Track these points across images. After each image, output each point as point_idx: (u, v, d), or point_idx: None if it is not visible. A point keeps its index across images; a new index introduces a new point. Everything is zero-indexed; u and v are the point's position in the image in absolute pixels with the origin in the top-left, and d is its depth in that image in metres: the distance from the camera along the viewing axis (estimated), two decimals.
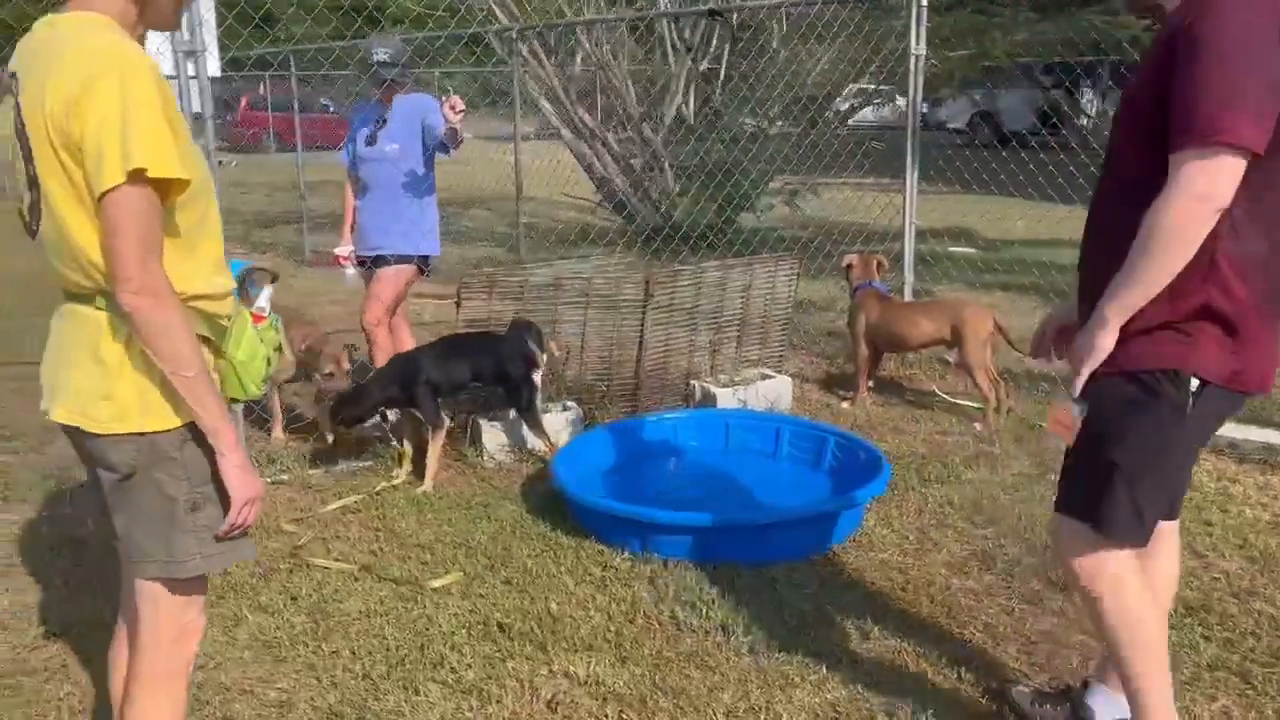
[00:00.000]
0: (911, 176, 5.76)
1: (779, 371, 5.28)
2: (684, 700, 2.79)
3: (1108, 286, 2.04)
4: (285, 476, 4.43)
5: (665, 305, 4.85)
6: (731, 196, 9.34)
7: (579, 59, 9.98)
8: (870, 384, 5.31)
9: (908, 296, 6.04)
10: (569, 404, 4.70)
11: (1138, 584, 2.21)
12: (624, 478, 4.17)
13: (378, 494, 4.23)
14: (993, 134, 21.38)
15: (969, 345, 4.82)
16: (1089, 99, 21.98)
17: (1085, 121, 22.13)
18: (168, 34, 3.98)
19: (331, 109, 30.20)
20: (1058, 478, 2.33)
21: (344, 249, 5.14)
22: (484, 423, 4.52)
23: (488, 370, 4.39)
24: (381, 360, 4.85)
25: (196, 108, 4.06)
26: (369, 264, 5.02)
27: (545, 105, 10.17)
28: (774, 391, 5.05)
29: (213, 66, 4.08)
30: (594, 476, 4.03)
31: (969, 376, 4.91)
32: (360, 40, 6.94)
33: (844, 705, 2.76)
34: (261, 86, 28.79)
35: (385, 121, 4.96)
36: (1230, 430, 4.51)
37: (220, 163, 20.38)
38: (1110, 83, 21.88)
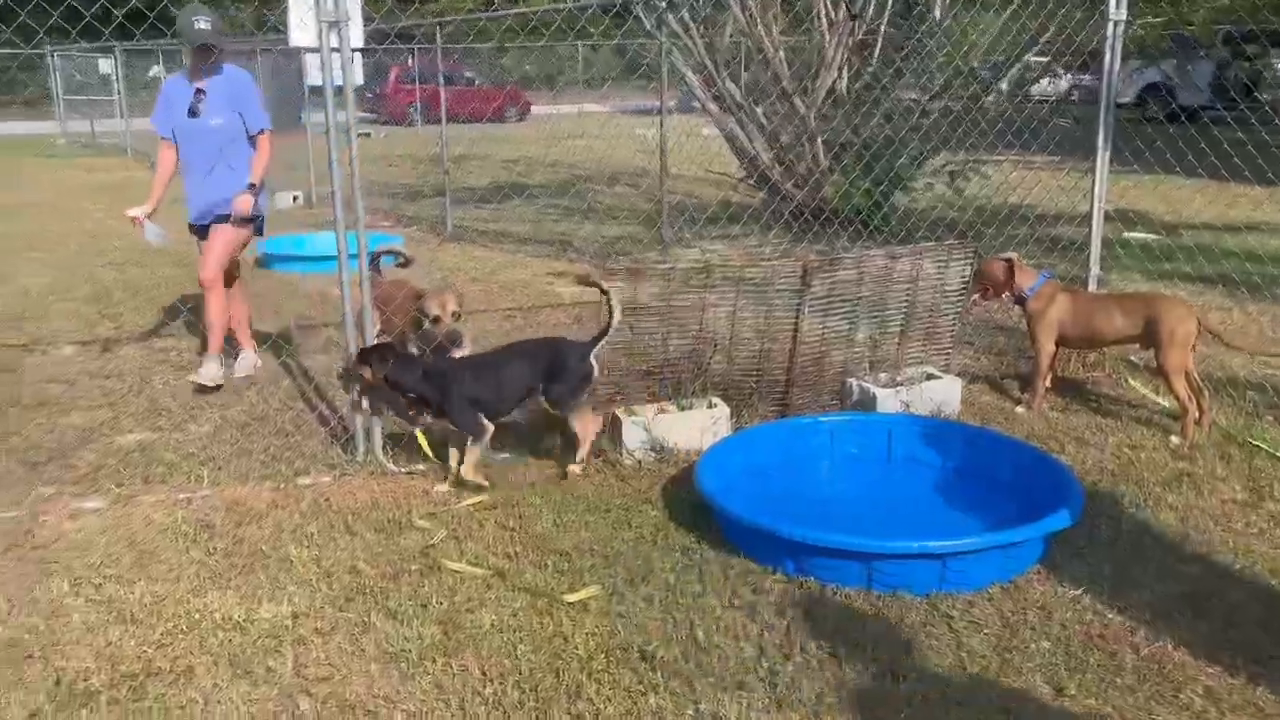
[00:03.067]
0: (1103, 156, 5.18)
1: (946, 371, 4.81)
2: None
3: None
4: (421, 466, 4.25)
5: (823, 295, 4.46)
6: (885, 175, 8.80)
7: (728, 30, 9.55)
8: (1047, 386, 4.80)
9: (1091, 289, 5.47)
10: (714, 401, 4.37)
11: None
12: (774, 488, 3.83)
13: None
14: (1163, 108, 19.94)
15: (1167, 346, 4.27)
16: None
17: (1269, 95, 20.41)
18: (312, 4, 3.82)
19: (476, 81, 30.66)
20: None
21: (136, 210, 5.20)
22: (625, 418, 4.23)
23: (541, 381, 4.11)
24: (216, 320, 5.27)
25: (339, 79, 3.89)
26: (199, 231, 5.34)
27: (691, 78, 9.80)
28: (941, 393, 4.60)
29: (356, 37, 3.89)
30: (741, 484, 3.69)
31: (1164, 382, 4.36)
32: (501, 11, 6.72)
33: None
34: (410, 59, 29.48)
35: (203, 94, 5.12)
36: None
37: (366, 134, 20.87)
38: None
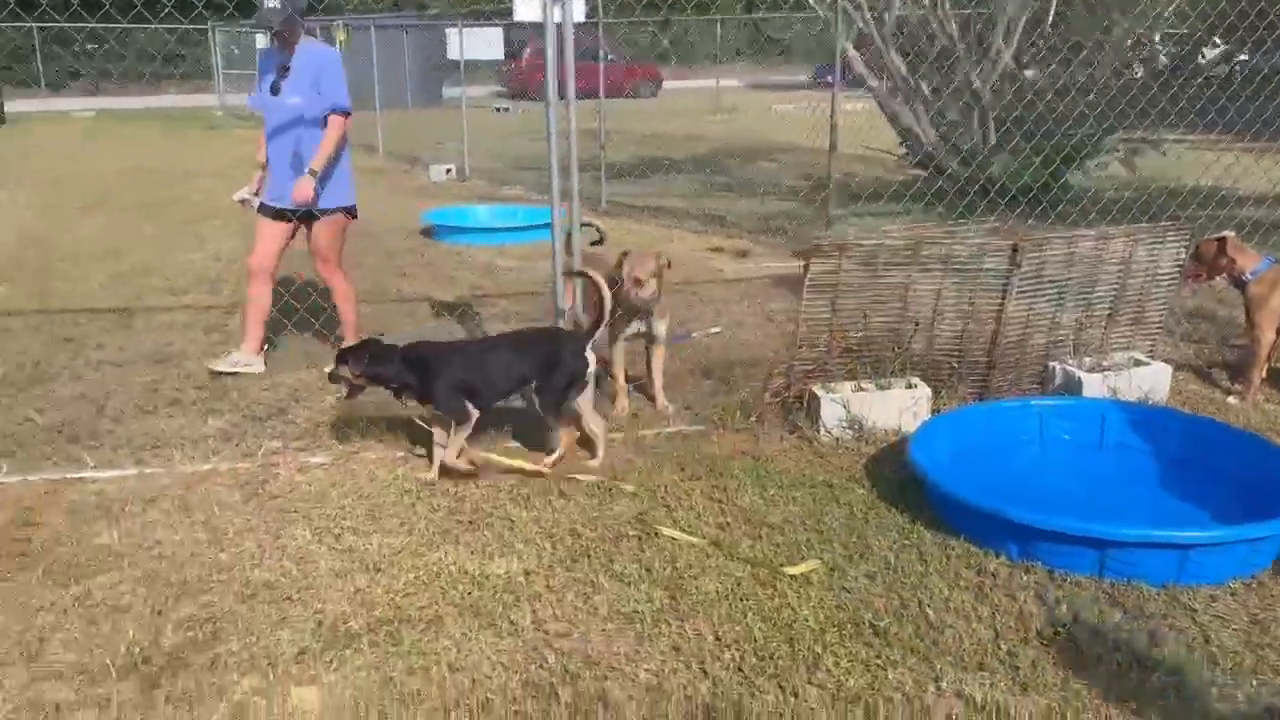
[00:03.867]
0: None
1: (1153, 358, 4.64)
2: None
3: None
4: (617, 435, 4.33)
5: (1031, 275, 4.35)
6: (1058, 153, 8.51)
7: (896, 2, 9.34)
8: (1262, 377, 4.58)
9: None
10: (914, 381, 4.32)
11: None
12: (987, 470, 3.76)
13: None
14: None
15: None
16: None
17: None
18: None
19: (610, 57, 30.81)
20: None
21: (241, 193, 5.16)
22: (823, 395, 4.22)
23: (534, 375, 3.99)
24: (255, 314, 5.08)
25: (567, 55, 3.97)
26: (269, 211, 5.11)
27: (853, 53, 9.64)
28: (1149, 380, 4.44)
29: (579, 11, 3.95)
30: (954, 466, 3.64)
31: None
32: None
33: None
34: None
35: (288, 70, 4.93)
36: None
37: (505, 109, 21.18)
38: None
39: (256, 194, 5.14)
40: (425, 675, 2.73)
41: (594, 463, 4.04)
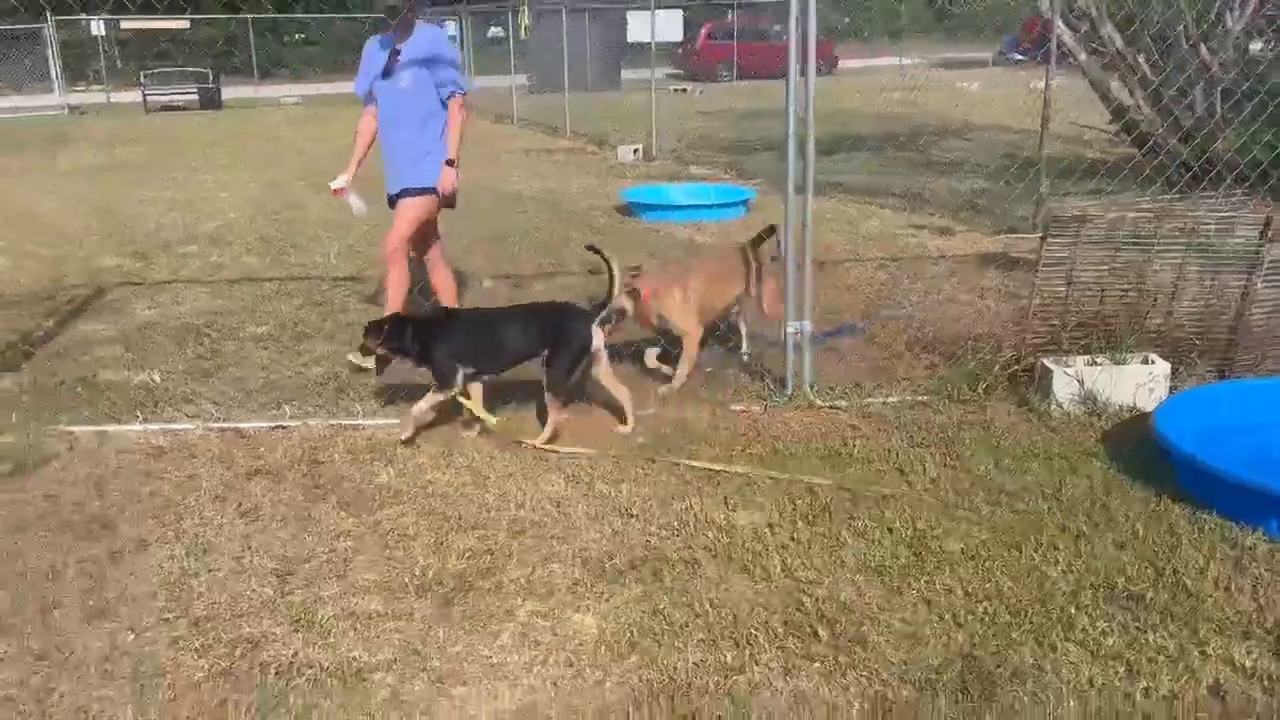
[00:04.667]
0: None
1: None
2: None
3: None
4: (843, 402, 4.43)
5: None
6: None
7: None
8: None
9: None
10: (1151, 357, 4.23)
11: None
12: (1240, 447, 3.66)
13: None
14: None
15: None
16: None
17: None
18: None
19: (784, 36, 30.54)
20: None
21: (338, 181, 4.98)
22: (1056, 368, 4.19)
23: (538, 347, 4.09)
24: (394, 294, 4.88)
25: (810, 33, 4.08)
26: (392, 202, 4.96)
27: (1062, 25, 9.30)
28: None
29: None
30: (1205, 441, 3.56)
31: None
32: None
33: None
34: (730, 14, 29.77)
35: (398, 54, 4.79)
36: None
37: (683, 90, 21.37)
38: None
39: (350, 184, 4.96)
40: (690, 609, 2.93)
41: (624, 429, 4.16)
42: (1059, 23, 9.22)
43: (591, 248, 4.38)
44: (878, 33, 29.08)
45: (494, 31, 26.89)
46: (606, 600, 2.99)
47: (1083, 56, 9.40)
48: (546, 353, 4.09)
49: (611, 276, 4.18)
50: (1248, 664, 2.61)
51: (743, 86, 23.76)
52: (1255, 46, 9.44)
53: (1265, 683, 2.54)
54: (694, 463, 3.87)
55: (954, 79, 23.06)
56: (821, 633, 2.81)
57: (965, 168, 10.77)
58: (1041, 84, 8.54)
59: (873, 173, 10.95)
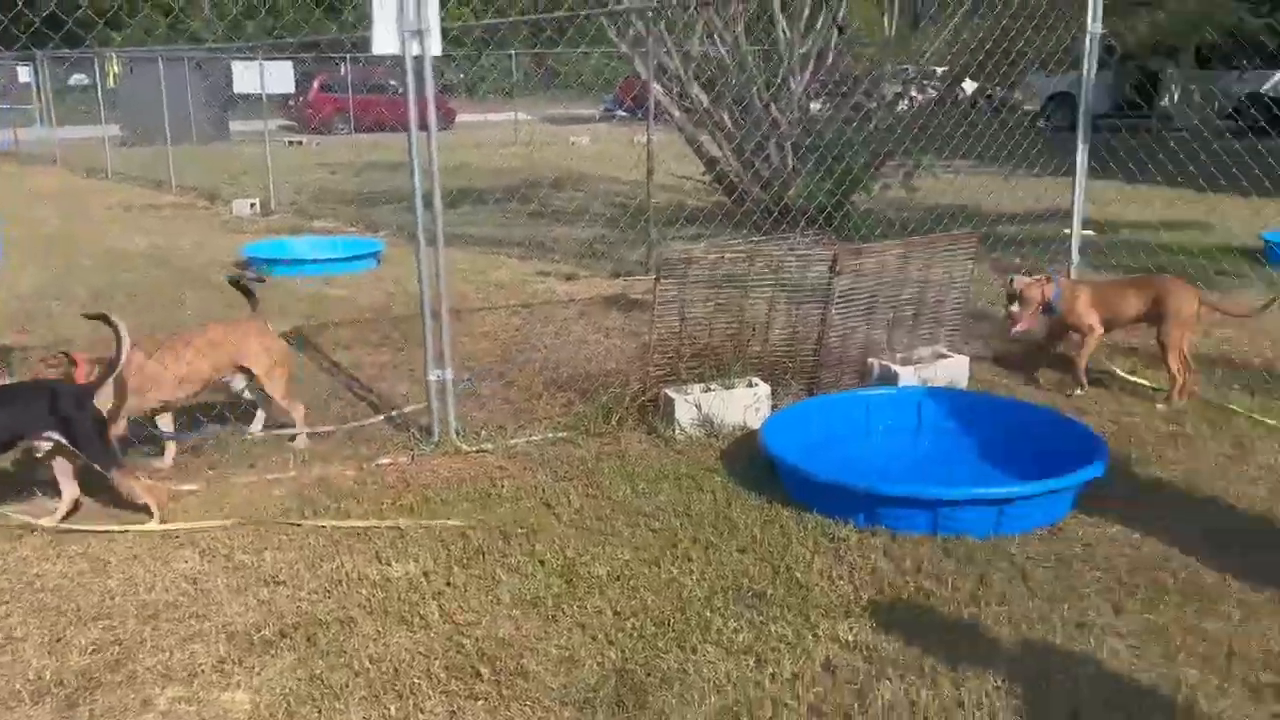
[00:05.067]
0: (1082, 156, 5.74)
1: (954, 350, 5.30)
2: (960, 667, 2.85)
3: None
4: (489, 446, 4.54)
5: (849, 281, 4.89)
6: (846, 176, 9.33)
7: (696, 37, 9.99)
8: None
9: (1072, 277, 6.04)
10: (755, 381, 4.76)
11: None
12: (831, 452, 4.23)
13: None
14: (1069, 116, 21.10)
15: (1171, 322, 4.79)
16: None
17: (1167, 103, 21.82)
18: (394, 13, 4.09)
19: (400, 90, 30.60)
20: None
21: None
22: (676, 396, 4.59)
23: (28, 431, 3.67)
24: None
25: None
26: None
27: (657, 86, 10.20)
28: (952, 370, 5.08)
29: (435, 46, 4.17)
30: (803, 450, 4.08)
31: (1163, 354, 4.87)
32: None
33: (1124, 677, 2.81)
34: (342, 68, 29.17)
35: None
36: None
37: (299, 142, 20.72)
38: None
39: None
40: (349, 669, 2.87)
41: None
42: (654, 84, 10.12)
43: (95, 315, 3.91)
44: (491, 90, 30.05)
45: (77, 79, 24.52)
46: (258, 673, 2.85)
47: (676, 114, 10.34)
48: (60, 437, 3.64)
49: (119, 342, 3.75)
50: (850, 639, 3.02)
51: (362, 139, 23.44)
52: (814, 107, 10.90)
53: (864, 652, 2.95)
54: (342, 523, 3.79)
55: (566, 134, 24.37)
56: (483, 671, 2.87)
57: (584, 217, 11.41)
58: (643, 138, 9.28)
59: (497, 224, 11.27)
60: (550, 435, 4.65)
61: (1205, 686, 2.75)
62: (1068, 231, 6.27)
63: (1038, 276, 5.17)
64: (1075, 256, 6.00)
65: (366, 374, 5.67)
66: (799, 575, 3.39)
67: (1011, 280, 5.21)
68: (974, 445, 4.38)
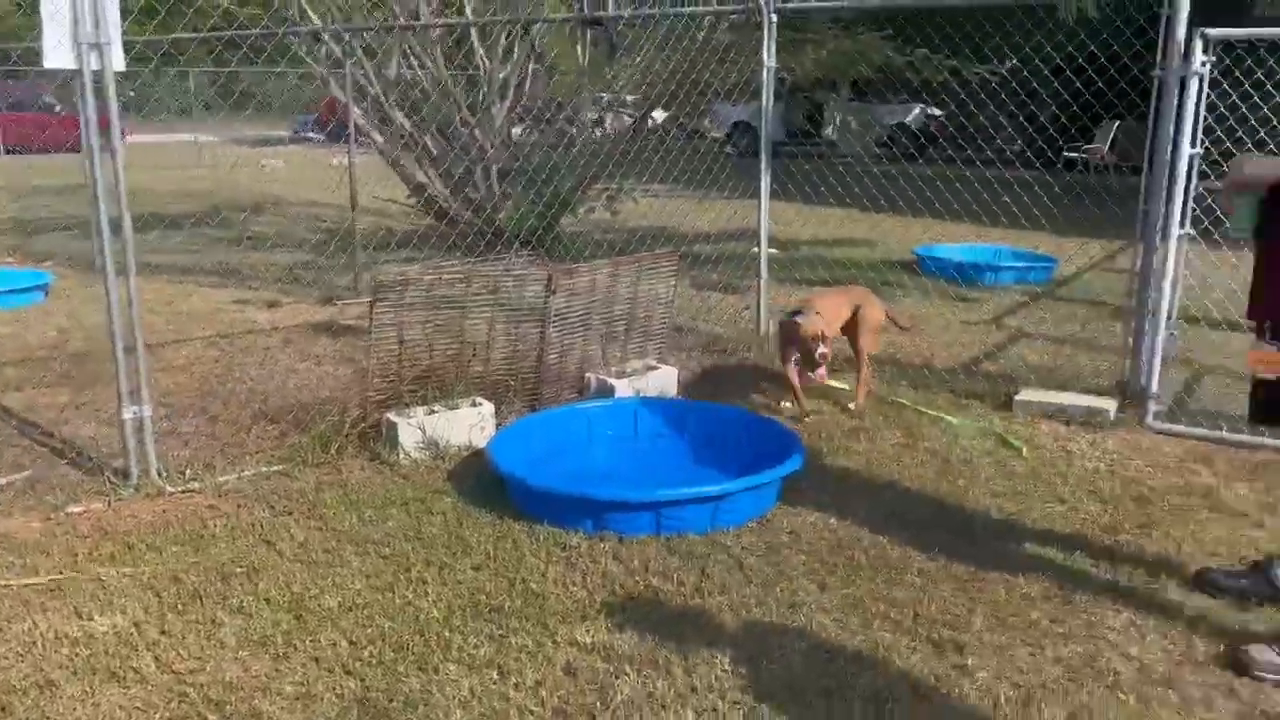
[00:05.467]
0: (765, 180, 6.26)
1: (662, 363, 5.60)
2: (691, 656, 3.04)
3: None
4: (196, 485, 4.27)
5: (564, 300, 5.05)
6: (554, 200, 9.59)
7: (395, 60, 9.88)
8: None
9: (762, 301, 6.58)
10: (478, 400, 4.80)
11: None
12: (557, 465, 4.35)
13: None
14: (751, 143, 22.84)
15: (864, 329, 5.30)
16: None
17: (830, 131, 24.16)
18: (69, 24, 3.79)
19: (58, 108, 27.77)
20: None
21: None
22: (399, 420, 4.54)
23: None
24: None
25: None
26: None
27: (356, 110, 9.99)
28: (662, 380, 5.37)
29: (118, 60, 3.90)
30: (528, 465, 4.17)
31: (857, 359, 5.34)
32: None
33: (831, 646, 3.11)
34: None
35: None
36: (1057, 398, 5.27)
37: None
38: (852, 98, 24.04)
39: None
40: None
41: None
42: (353, 107, 9.90)
43: None
44: (166, 109, 27.96)
45: None
46: None
47: (378, 138, 10.17)
48: None
49: None
50: (589, 641, 3.13)
51: (10, 162, 21.09)
52: (516, 131, 11.10)
53: (602, 653, 3.07)
54: (29, 580, 3.43)
55: (256, 156, 23.16)
56: (211, 717, 2.72)
57: (285, 242, 10.93)
58: (339, 161, 9.06)
59: (185, 251, 10.53)
60: (264, 469, 4.45)
61: (898, 646, 3.11)
62: (755, 249, 6.79)
63: (802, 313, 5.06)
64: (764, 272, 6.51)
65: (45, 417, 5.14)
66: (534, 586, 3.47)
67: (806, 326, 4.96)
68: (687, 449, 4.66)
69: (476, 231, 8.45)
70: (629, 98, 12.34)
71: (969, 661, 3.03)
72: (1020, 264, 9.45)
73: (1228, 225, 3.26)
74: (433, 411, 4.66)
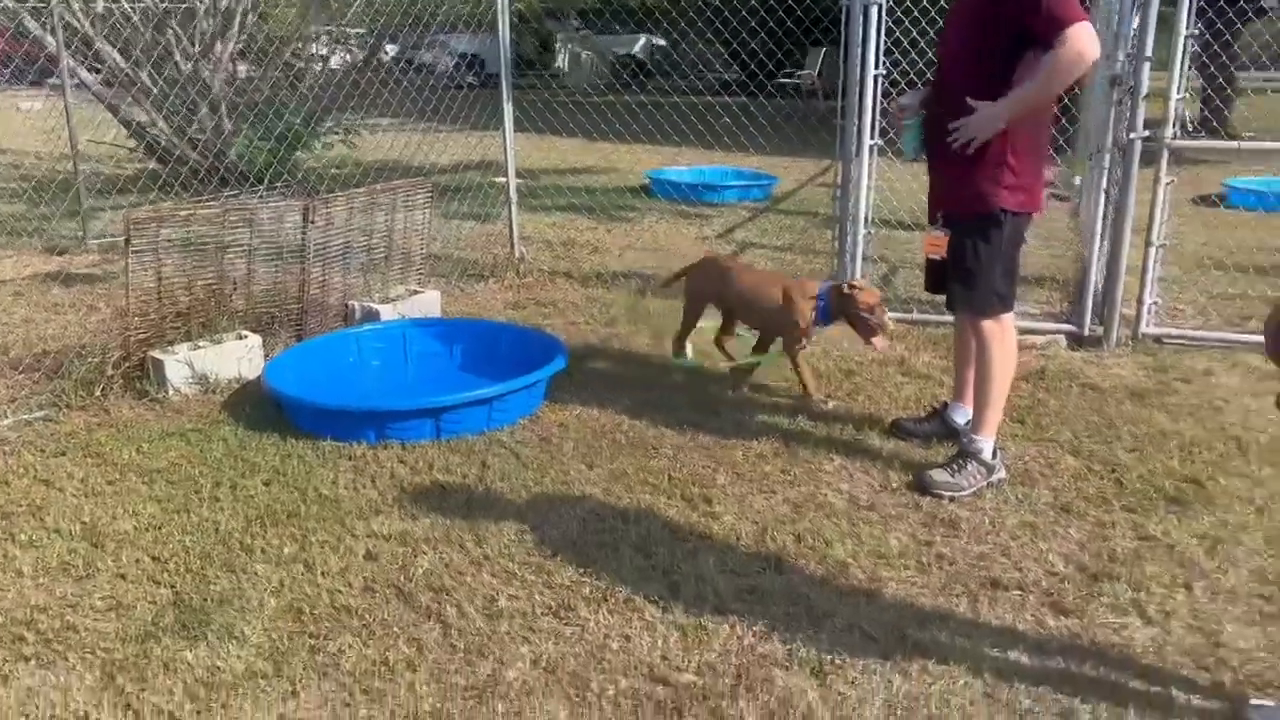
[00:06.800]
0: (508, 109, 6.56)
1: (425, 286, 5.85)
2: (480, 532, 3.43)
3: (1008, 99, 3.40)
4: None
5: (323, 230, 5.18)
6: (286, 136, 9.42)
7: None
8: None
9: (514, 226, 6.92)
10: (244, 333, 4.89)
11: (1013, 336, 3.76)
12: (333, 385, 4.56)
13: None
14: (479, 75, 22.81)
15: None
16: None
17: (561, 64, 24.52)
18: None
19: None
20: (958, 285, 3.71)
21: None
22: (164, 357, 4.57)
23: None
24: None
25: None
26: None
27: (51, 44, 9.30)
28: (425, 305, 5.63)
29: None
30: (307, 386, 4.36)
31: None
32: None
33: (601, 510, 3.59)
34: None
35: None
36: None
37: None
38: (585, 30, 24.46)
39: None
40: None
41: None
42: (48, 39, 9.19)
43: None
44: None
45: None
46: None
47: (86, 77, 9.52)
48: None
49: None
50: (386, 531, 3.44)
51: None
52: (242, 69, 10.70)
53: (400, 539, 3.39)
54: None
55: None
56: (27, 635, 2.84)
57: None
58: (32, 105, 8.43)
59: None
60: (25, 417, 4.37)
61: (657, 504, 3.63)
62: (501, 180, 7.10)
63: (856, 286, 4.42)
64: (513, 196, 6.85)
65: None
66: (326, 492, 3.72)
67: (864, 296, 4.34)
68: (458, 361, 4.99)
69: (206, 171, 8.22)
70: (356, 31, 12.14)
71: (716, 509, 3.60)
72: (743, 183, 10.29)
73: (900, 146, 3.94)
74: (198, 347, 4.72)
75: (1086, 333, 5.41)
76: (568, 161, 11.91)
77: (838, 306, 4.39)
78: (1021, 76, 3.42)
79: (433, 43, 13.82)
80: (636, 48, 24.24)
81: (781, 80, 18.09)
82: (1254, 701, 2.51)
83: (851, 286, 4.38)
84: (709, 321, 5.06)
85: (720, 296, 4.91)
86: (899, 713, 2.55)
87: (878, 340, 4.35)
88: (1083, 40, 3.26)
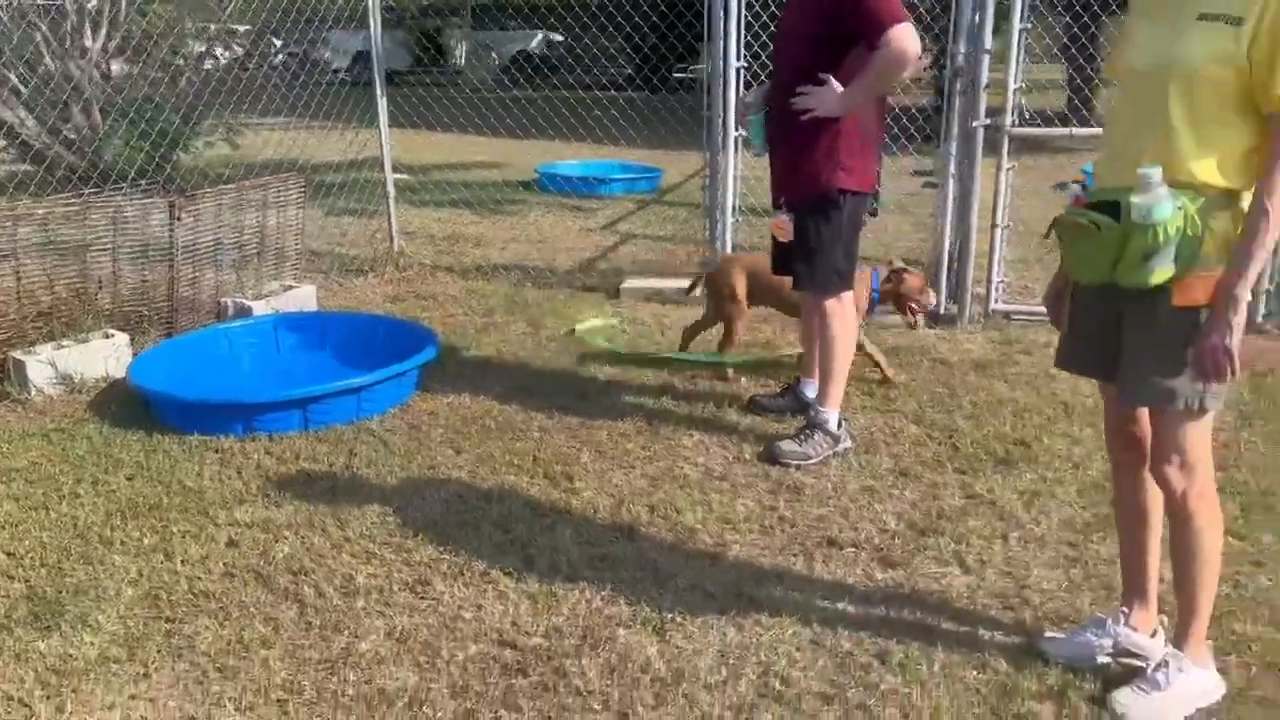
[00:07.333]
0: (382, 104, 6.60)
1: (299, 281, 5.86)
2: (343, 516, 3.51)
3: (848, 90, 3.61)
4: None
5: (191, 227, 5.17)
6: (165, 135, 9.25)
7: None
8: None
9: (393, 220, 6.95)
10: (110, 332, 4.85)
11: (853, 312, 4.02)
12: (202, 381, 4.57)
13: None
14: (365, 72, 22.54)
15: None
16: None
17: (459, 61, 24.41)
18: None
19: None
20: (802, 265, 3.89)
21: None
22: (26, 358, 4.52)
23: None
24: None
25: None
26: None
27: None
28: (301, 299, 5.65)
29: None
30: (174, 382, 4.36)
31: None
32: None
33: (465, 492, 3.70)
34: None
35: None
36: (655, 284, 6.17)
37: None
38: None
39: None
40: None
41: None
42: None
43: None
44: None
45: None
46: None
47: None
48: None
49: None
50: (248, 519, 3.49)
51: None
52: (116, 68, 10.46)
53: (262, 526, 3.45)
54: None
55: None
56: None
57: None
58: None
59: None
60: None
61: (520, 484, 3.75)
62: (382, 176, 7.12)
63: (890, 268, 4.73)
64: (391, 191, 6.90)
65: None
66: (190, 484, 3.76)
67: (913, 280, 4.68)
68: (331, 353, 5.03)
69: (81, 173, 8.04)
70: (240, 28, 11.94)
71: (577, 485, 3.75)
72: (629, 176, 10.46)
73: (747, 139, 4.16)
74: (61, 346, 4.67)
75: (942, 311, 5.70)
76: (459, 157, 11.94)
77: (889, 289, 4.69)
78: (851, 70, 3.64)
79: (317, 39, 13.64)
80: (532, 44, 24.27)
81: (677, 75, 18.38)
82: (1048, 634, 2.75)
83: (905, 272, 4.68)
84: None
85: (755, 292, 4.75)
86: (731, 661, 2.72)
87: (920, 319, 4.80)
88: (904, 41, 3.49)
